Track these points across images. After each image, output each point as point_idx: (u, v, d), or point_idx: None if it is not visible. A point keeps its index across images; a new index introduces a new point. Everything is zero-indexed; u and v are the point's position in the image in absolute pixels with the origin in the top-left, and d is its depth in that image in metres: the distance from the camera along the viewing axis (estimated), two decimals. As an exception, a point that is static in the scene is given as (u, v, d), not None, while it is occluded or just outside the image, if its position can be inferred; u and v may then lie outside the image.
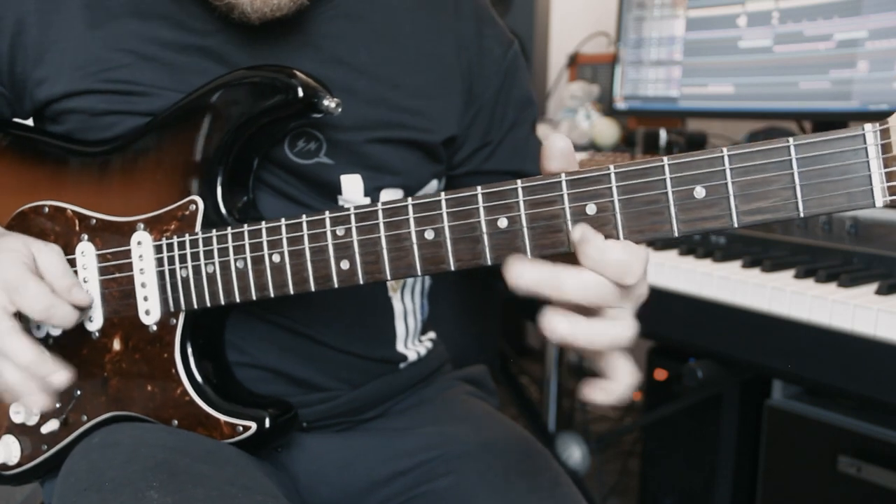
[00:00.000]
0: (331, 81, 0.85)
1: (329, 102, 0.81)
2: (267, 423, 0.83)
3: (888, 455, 1.28)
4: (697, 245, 1.32)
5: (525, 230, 0.68)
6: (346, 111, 0.85)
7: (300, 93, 0.81)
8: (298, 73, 0.82)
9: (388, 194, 0.94)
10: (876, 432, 1.30)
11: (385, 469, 0.95)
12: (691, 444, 1.76)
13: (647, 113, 1.88)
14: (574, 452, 1.93)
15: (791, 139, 0.60)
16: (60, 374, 0.79)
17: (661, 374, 1.85)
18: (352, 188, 0.91)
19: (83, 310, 0.86)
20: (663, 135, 1.74)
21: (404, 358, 1.02)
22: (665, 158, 0.63)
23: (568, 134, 2.08)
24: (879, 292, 1.04)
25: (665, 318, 1.24)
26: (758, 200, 0.61)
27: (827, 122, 1.57)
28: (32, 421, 0.90)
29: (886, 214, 1.21)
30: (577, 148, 2.03)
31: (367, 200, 0.92)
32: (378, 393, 0.99)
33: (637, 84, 1.83)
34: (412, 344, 1.05)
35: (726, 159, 0.62)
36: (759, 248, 1.28)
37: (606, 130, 1.99)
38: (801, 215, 0.61)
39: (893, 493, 1.27)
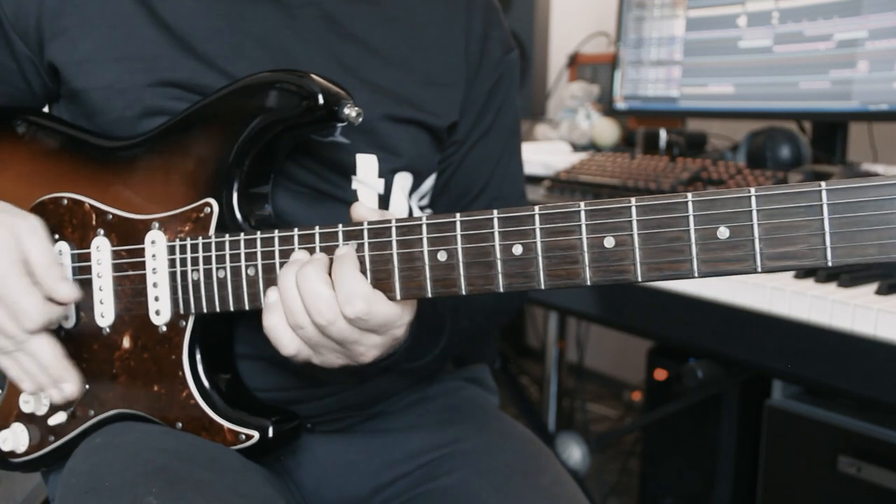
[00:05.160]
0: (346, 58, 0.86)
1: (350, 111, 0.80)
2: (270, 432, 0.83)
3: (888, 455, 1.28)
4: (697, 245, 1.32)
5: (540, 259, 0.66)
6: (360, 88, 0.84)
7: (320, 100, 0.79)
8: (321, 80, 0.80)
9: (401, 178, 0.94)
10: (876, 432, 1.30)
11: (389, 473, 0.96)
12: (691, 444, 1.76)
13: (647, 113, 1.88)
14: (574, 452, 1.93)
15: (823, 184, 0.57)
16: (69, 385, 0.85)
17: (661, 374, 1.85)
18: (366, 168, 0.91)
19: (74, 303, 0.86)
20: (663, 135, 1.74)
21: None
22: (689, 195, 0.61)
23: (568, 134, 2.08)
24: (879, 292, 1.04)
25: (665, 318, 1.24)
26: (784, 245, 0.59)
27: (827, 121, 1.57)
28: (41, 411, 0.91)
29: (886, 214, 1.21)
30: (577, 148, 2.03)
31: (381, 182, 0.92)
32: (382, 388, 0.99)
33: (637, 84, 1.83)
34: None
35: (753, 200, 0.59)
36: (760, 248, 1.28)
37: (606, 130, 1.99)
38: (830, 264, 0.58)
39: (893, 493, 1.27)
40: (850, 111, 1.44)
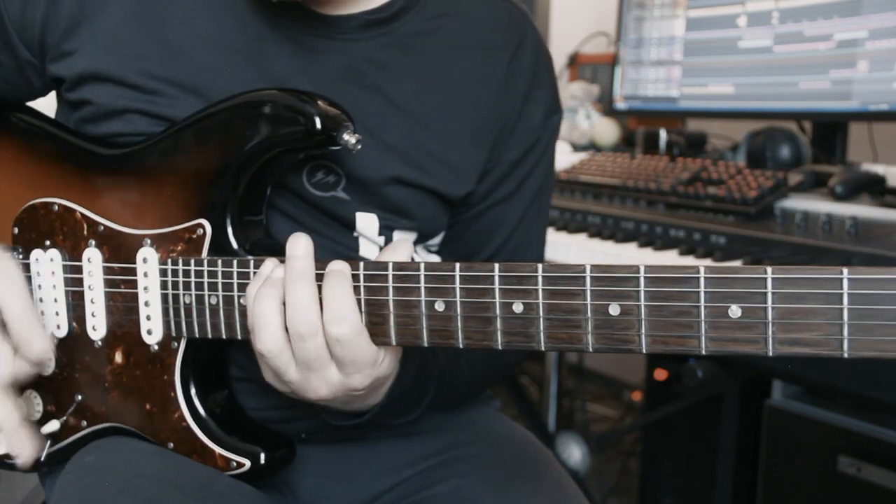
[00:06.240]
0: (364, 109, 0.82)
1: (349, 137, 0.77)
2: (262, 459, 0.81)
3: (888, 455, 1.28)
4: (698, 245, 1.32)
5: (541, 320, 0.64)
6: (371, 145, 0.80)
7: (318, 124, 0.76)
8: (321, 103, 0.77)
9: (401, 236, 0.90)
10: (876, 432, 1.30)
11: (386, 480, 0.94)
12: (691, 444, 1.77)
13: (647, 113, 1.89)
14: (574, 452, 1.93)
15: (845, 270, 0.54)
16: (23, 455, 0.77)
17: (661, 374, 1.85)
18: (366, 225, 0.88)
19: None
20: (663, 135, 1.74)
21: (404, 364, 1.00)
22: (702, 268, 0.59)
23: (568, 134, 2.08)
24: (879, 292, 1.03)
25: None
26: (798, 331, 0.56)
27: (827, 121, 1.57)
28: (34, 417, 0.90)
29: (886, 214, 1.21)
30: (578, 148, 2.03)
31: (381, 239, 0.89)
32: None
33: (637, 84, 1.83)
34: None
35: (769, 281, 0.56)
36: (760, 247, 1.28)
37: (606, 130, 1.99)
38: (845, 356, 0.55)
39: (893, 493, 1.27)
40: (850, 111, 1.44)
